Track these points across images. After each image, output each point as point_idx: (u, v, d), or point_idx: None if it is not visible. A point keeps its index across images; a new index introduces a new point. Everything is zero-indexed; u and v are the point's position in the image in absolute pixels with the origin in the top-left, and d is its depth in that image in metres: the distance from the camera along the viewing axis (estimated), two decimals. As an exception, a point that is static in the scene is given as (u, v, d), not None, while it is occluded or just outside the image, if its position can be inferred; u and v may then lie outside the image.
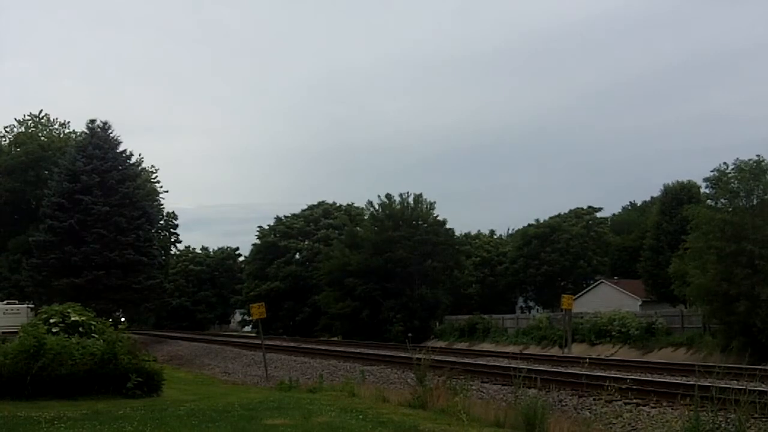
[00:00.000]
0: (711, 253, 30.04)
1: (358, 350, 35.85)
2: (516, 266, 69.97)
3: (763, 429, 11.54)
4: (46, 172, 53.77)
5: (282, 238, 75.16)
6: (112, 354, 15.30)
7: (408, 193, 60.72)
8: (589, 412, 14.94)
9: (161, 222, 63.88)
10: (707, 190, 35.02)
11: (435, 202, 61.08)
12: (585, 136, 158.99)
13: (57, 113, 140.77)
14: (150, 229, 51.88)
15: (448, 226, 62.89)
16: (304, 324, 69.71)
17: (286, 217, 78.71)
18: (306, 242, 74.63)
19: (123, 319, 44.99)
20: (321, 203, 79.39)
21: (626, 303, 49.66)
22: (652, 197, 69.63)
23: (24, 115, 61.22)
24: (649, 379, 18.73)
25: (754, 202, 30.93)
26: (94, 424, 10.39)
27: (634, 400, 15.28)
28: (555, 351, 38.42)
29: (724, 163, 32.24)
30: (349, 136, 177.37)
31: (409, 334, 47.06)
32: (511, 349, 39.12)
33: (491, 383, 19.81)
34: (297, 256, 74.55)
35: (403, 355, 27.02)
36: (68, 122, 62.12)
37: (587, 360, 23.86)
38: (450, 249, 62.00)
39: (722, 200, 32.03)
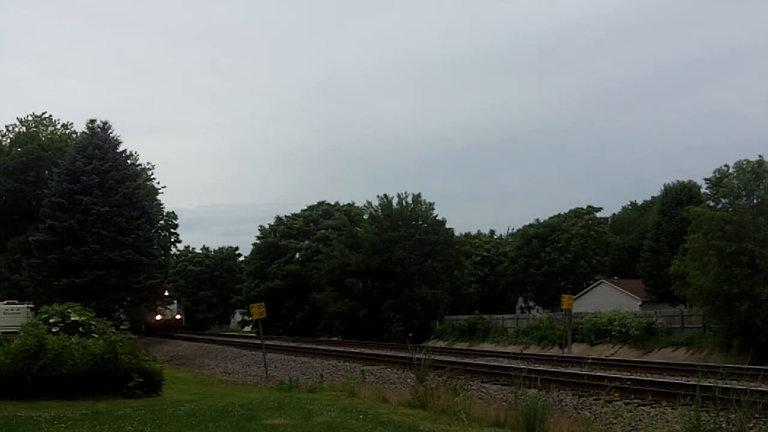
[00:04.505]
0: (711, 253, 30.06)
1: (358, 350, 35.84)
2: (516, 266, 69.97)
3: (763, 429, 11.52)
4: (46, 172, 53.77)
5: (282, 237, 75.21)
6: (113, 354, 15.31)
7: (406, 193, 60.91)
8: (589, 412, 14.93)
9: (161, 222, 63.87)
10: (708, 191, 35.11)
11: (434, 203, 61.29)
12: (585, 135, 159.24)
13: (57, 113, 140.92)
14: (150, 229, 51.83)
15: (447, 226, 63.10)
16: (304, 323, 69.72)
17: (286, 216, 78.76)
18: (306, 242, 74.64)
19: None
20: (321, 203, 79.41)
21: (626, 303, 49.62)
22: (652, 197, 69.61)
23: (27, 115, 61.42)
24: (650, 379, 18.72)
25: (755, 202, 30.98)
26: (94, 424, 10.39)
27: (635, 400, 15.28)
28: (555, 351, 38.44)
29: (725, 165, 32.39)
30: (349, 136, 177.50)
31: (410, 334, 47.09)
32: (511, 349, 39.13)
33: (491, 383, 19.80)
34: (297, 255, 74.57)
35: (403, 355, 27.02)
36: (71, 123, 62.28)
37: (589, 360, 23.87)
38: (450, 249, 62.01)
39: (723, 200, 32.09)
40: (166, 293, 64.55)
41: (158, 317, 63.70)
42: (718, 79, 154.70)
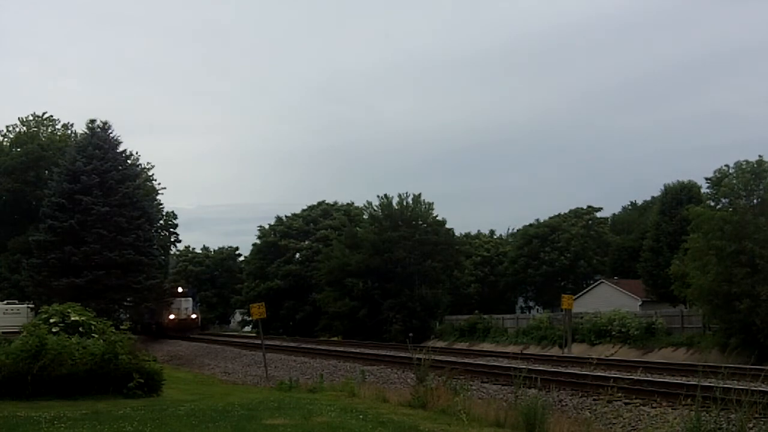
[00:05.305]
0: (711, 253, 30.10)
1: (358, 350, 35.83)
2: (516, 266, 69.97)
3: (764, 429, 11.52)
4: (46, 172, 53.77)
5: (282, 237, 75.20)
6: (113, 354, 15.32)
7: (407, 193, 60.98)
8: (590, 412, 14.93)
9: (161, 222, 63.84)
10: (708, 190, 35.18)
11: (433, 203, 61.35)
12: (585, 135, 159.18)
13: (57, 113, 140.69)
14: (150, 229, 51.83)
15: (447, 226, 63.13)
16: (304, 323, 69.71)
17: (286, 216, 78.79)
18: (306, 242, 74.65)
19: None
20: (320, 203, 79.40)
21: (626, 303, 49.63)
22: (652, 197, 69.65)
23: (27, 115, 61.42)
24: (650, 379, 18.72)
25: (755, 202, 31.04)
26: (94, 424, 10.39)
27: (635, 400, 15.28)
28: (555, 351, 38.43)
29: (726, 165, 32.48)
30: (349, 136, 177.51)
31: (410, 334, 47.09)
32: (511, 349, 39.13)
33: (491, 383, 19.80)
34: (297, 255, 74.56)
35: (403, 355, 27.02)
36: (71, 123, 62.25)
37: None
38: (450, 249, 62.03)
39: (723, 200, 32.16)
40: (180, 289, 62.12)
41: (171, 316, 59.49)
42: (718, 79, 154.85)
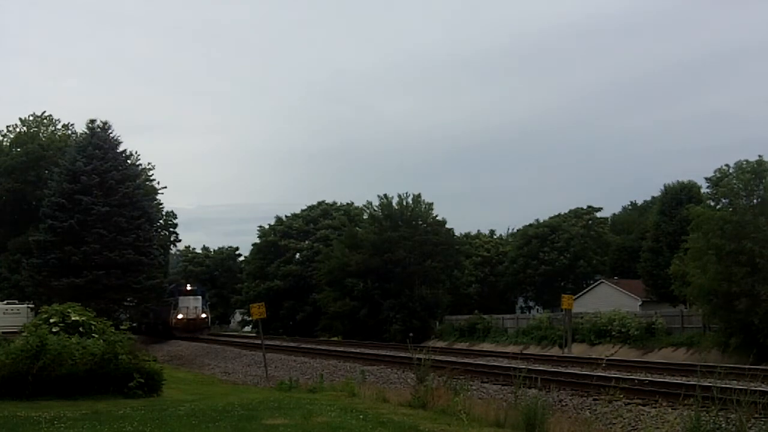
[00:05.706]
0: (711, 253, 30.10)
1: (358, 350, 35.84)
2: (516, 266, 69.96)
3: (763, 429, 11.53)
4: (46, 172, 53.73)
5: (282, 237, 75.18)
6: (113, 354, 15.33)
7: (407, 193, 61.03)
8: (590, 412, 14.94)
9: (161, 222, 63.77)
10: (708, 190, 35.19)
11: (433, 203, 61.46)
12: (585, 136, 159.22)
13: (57, 113, 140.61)
14: (150, 229, 51.78)
15: (447, 226, 63.14)
16: (304, 324, 69.69)
17: (286, 216, 78.77)
18: (306, 242, 74.61)
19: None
20: (320, 203, 79.37)
21: (626, 303, 49.64)
22: (652, 197, 69.64)
23: (27, 115, 61.37)
24: (650, 379, 18.72)
25: (755, 201, 31.03)
26: (94, 424, 10.40)
27: (635, 400, 15.28)
28: (555, 351, 38.44)
29: (726, 165, 32.46)
30: (349, 136, 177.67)
31: (410, 334, 47.07)
32: (511, 349, 39.13)
33: (491, 383, 19.80)
34: (297, 256, 74.53)
35: (403, 355, 27.02)
36: (71, 123, 62.19)
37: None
38: (450, 249, 62.04)
39: (723, 200, 32.16)
40: (188, 287, 60.82)
41: (180, 316, 57.19)
42: (718, 79, 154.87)
